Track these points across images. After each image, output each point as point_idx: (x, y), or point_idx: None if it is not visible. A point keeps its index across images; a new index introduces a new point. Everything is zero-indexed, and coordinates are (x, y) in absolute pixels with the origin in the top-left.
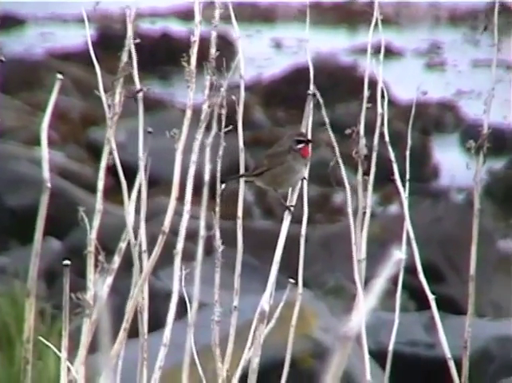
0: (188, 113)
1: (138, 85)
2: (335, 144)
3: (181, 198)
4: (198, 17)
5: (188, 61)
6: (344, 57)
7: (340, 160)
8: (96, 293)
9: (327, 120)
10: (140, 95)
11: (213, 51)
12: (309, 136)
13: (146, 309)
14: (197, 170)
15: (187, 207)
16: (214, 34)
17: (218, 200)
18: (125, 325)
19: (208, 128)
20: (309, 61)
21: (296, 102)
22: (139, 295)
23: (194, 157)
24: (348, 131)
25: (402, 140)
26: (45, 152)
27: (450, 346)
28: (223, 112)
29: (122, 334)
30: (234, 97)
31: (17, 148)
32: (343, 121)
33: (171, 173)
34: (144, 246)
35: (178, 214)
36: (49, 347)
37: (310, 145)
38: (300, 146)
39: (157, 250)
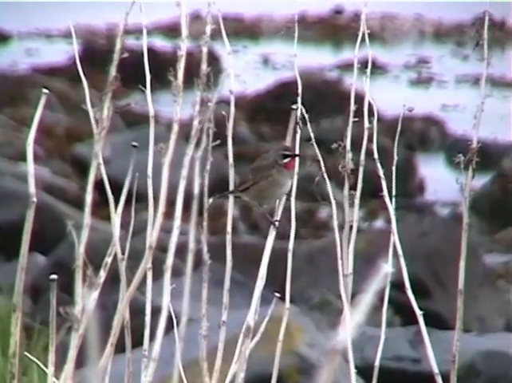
0: (175, 128)
1: (125, 101)
2: (320, 159)
3: (167, 213)
4: (185, 31)
5: (175, 76)
6: (329, 72)
7: (325, 175)
8: (84, 307)
9: (312, 135)
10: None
11: (204, 67)
12: (297, 151)
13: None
14: (177, 184)
15: (177, 222)
16: (204, 50)
17: (205, 215)
18: (112, 339)
19: (196, 143)
20: (297, 75)
21: (281, 117)
22: (125, 310)
23: (184, 172)
24: (334, 145)
25: (387, 155)
26: (30, 167)
27: (437, 361)
28: (211, 126)
29: (109, 349)
30: (224, 113)
31: (1, 163)
32: (328, 136)
33: (156, 188)
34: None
35: (163, 229)
36: (34, 362)
37: (297, 160)
38: (285, 161)
39: (144, 264)
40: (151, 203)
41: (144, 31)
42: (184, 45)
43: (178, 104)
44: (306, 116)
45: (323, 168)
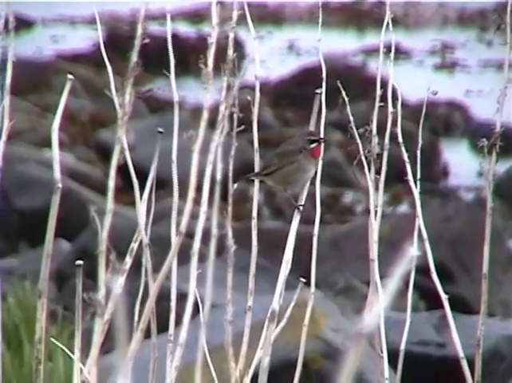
0: (205, 115)
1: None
2: (359, 140)
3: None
4: (215, 19)
5: (205, 63)
6: (352, 57)
7: (346, 160)
8: (109, 292)
9: (351, 118)
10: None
11: (230, 53)
12: (322, 135)
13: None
14: (204, 170)
15: (204, 207)
16: (231, 36)
17: (230, 200)
18: (142, 325)
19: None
20: (322, 60)
21: (304, 103)
22: (154, 296)
23: (211, 157)
24: (360, 130)
25: (411, 140)
26: (55, 152)
27: (461, 346)
28: (236, 112)
29: (139, 334)
30: (249, 98)
31: (26, 150)
32: (353, 121)
33: (180, 174)
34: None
35: (183, 214)
36: (60, 348)
37: (322, 145)
38: (313, 146)
39: (173, 250)
40: (175, 188)
41: (168, 16)
42: (215, 32)
43: (208, 92)
44: (343, 98)
45: (344, 154)
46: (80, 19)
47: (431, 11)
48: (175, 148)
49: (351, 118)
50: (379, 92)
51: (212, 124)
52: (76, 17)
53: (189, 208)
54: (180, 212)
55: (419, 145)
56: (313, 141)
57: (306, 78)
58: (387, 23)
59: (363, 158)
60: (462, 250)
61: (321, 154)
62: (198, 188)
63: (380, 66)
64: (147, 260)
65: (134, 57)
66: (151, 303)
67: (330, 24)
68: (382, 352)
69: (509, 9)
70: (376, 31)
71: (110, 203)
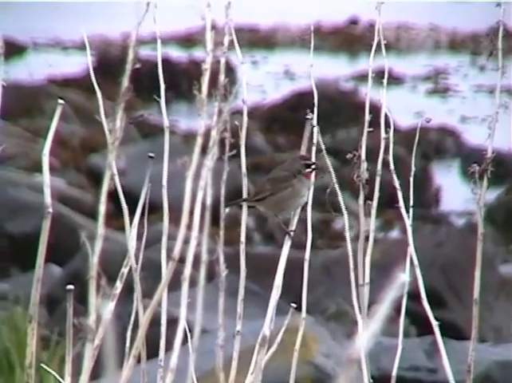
0: (199, 141)
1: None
2: (331, 170)
3: (179, 223)
4: (209, 44)
5: (199, 90)
6: (344, 82)
7: (340, 186)
8: (99, 317)
9: (323, 147)
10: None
11: (222, 78)
12: (314, 160)
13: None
14: (195, 195)
15: (195, 232)
16: (222, 61)
17: (222, 225)
18: (134, 352)
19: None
20: (314, 86)
21: (296, 128)
22: (147, 322)
23: (202, 183)
24: (349, 155)
25: (402, 165)
26: (46, 177)
27: (452, 371)
28: (227, 136)
29: (131, 361)
30: (237, 123)
31: (17, 174)
32: (344, 147)
33: (170, 199)
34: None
35: (173, 239)
36: (50, 373)
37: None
38: (308, 170)
39: (167, 276)
40: (166, 213)
41: (159, 42)
42: (209, 58)
43: (202, 118)
44: (317, 126)
45: (336, 179)
46: (71, 44)
47: (423, 35)
48: (166, 172)
49: (322, 147)
50: (368, 117)
51: (203, 148)
52: (68, 42)
53: (182, 234)
54: (171, 237)
55: (412, 172)
56: (309, 165)
57: (298, 103)
58: (379, 47)
59: (355, 183)
60: (453, 276)
61: (313, 179)
62: (189, 213)
63: (369, 91)
64: (136, 285)
65: (125, 82)
66: (143, 330)
67: (322, 48)
68: (373, 377)
69: (500, 34)
70: (368, 55)
71: (101, 229)
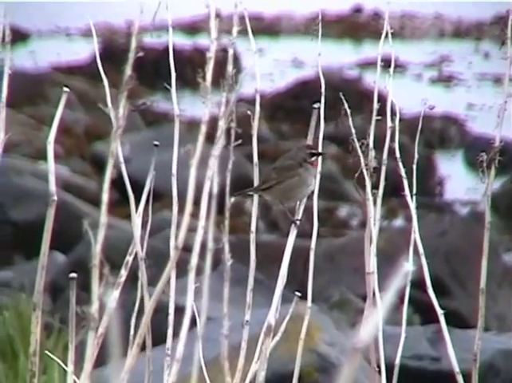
0: (203, 129)
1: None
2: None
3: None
4: (214, 33)
5: (203, 78)
6: (348, 70)
7: (342, 174)
8: (103, 306)
9: (353, 131)
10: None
11: (229, 68)
12: (320, 149)
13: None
14: (201, 183)
15: (202, 221)
16: (230, 52)
17: (227, 214)
18: (138, 339)
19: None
20: (321, 75)
21: (300, 116)
22: (151, 310)
23: (209, 172)
24: (357, 143)
25: (407, 154)
26: (51, 165)
27: (456, 360)
28: (233, 126)
29: (135, 349)
30: (249, 112)
31: (21, 162)
32: (348, 135)
33: (176, 187)
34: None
35: (177, 227)
36: (54, 361)
37: (320, 158)
38: (313, 159)
39: (171, 264)
40: (175, 202)
41: (170, 31)
42: (213, 46)
43: (206, 106)
44: (347, 110)
45: (339, 168)
46: (75, 31)
47: (428, 24)
48: (175, 161)
49: (353, 131)
50: (376, 106)
51: (208, 137)
52: (72, 29)
53: (187, 223)
54: (176, 225)
55: (415, 159)
56: (314, 154)
57: (302, 91)
58: (386, 36)
59: (362, 171)
60: (457, 264)
61: (319, 168)
62: (195, 202)
63: (377, 80)
64: (142, 273)
65: (128, 70)
66: (147, 318)
67: (327, 36)
68: (378, 366)
69: (509, 23)
70: (373, 43)
71: (104, 217)
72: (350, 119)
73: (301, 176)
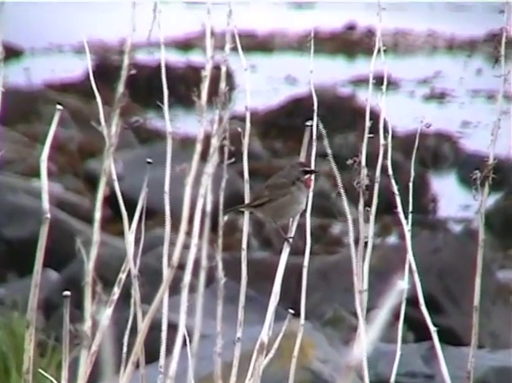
0: (198, 148)
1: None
2: (337, 175)
3: (177, 230)
4: (209, 51)
5: (198, 96)
6: (341, 87)
7: (336, 191)
8: (96, 324)
9: (329, 151)
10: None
11: (222, 86)
12: (313, 167)
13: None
14: (194, 201)
15: (195, 239)
16: (223, 69)
17: (220, 232)
18: (133, 358)
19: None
20: (313, 92)
21: (293, 133)
22: (146, 328)
23: (202, 190)
24: (349, 161)
25: (400, 171)
26: (44, 183)
27: (450, 377)
28: (226, 143)
29: (130, 367)
30: (239, 129)
31: (14, 179)
32: (341, 152)
33: (170, 205)
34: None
35: (174, 244)
36: (48, 379)
37: (313, 176)
38: (307, 177)
39: (165, 283)
40: (168, 220)
41: (162, 48)
42: (209, 65)
43: (201, 125)
44: (323, 131)
45: (334, 185)
46: (68, 48)
47: (421, 41)
48: (168, 178)
49: (329, 151)
50: (368, 123)
51: (201, 155)
52: (65, 46)
53: (181, 241)
54: (169, 243)
55: (412, 178)
56: (307, 172)
57: (295, 109)
58: (379, 51)
59: (355, 189)
60: (450, 282)
61: (312, 186)
62: (189, 220)
63: (369, 97)
64: (135, 291)
65: (120, 87)
66: (142, 336)
67: (320, 53)
68: None
69: (503, 40)
70: (366, 61)
71: (96, 234)
72: (341, 136)
73: (293, 195)
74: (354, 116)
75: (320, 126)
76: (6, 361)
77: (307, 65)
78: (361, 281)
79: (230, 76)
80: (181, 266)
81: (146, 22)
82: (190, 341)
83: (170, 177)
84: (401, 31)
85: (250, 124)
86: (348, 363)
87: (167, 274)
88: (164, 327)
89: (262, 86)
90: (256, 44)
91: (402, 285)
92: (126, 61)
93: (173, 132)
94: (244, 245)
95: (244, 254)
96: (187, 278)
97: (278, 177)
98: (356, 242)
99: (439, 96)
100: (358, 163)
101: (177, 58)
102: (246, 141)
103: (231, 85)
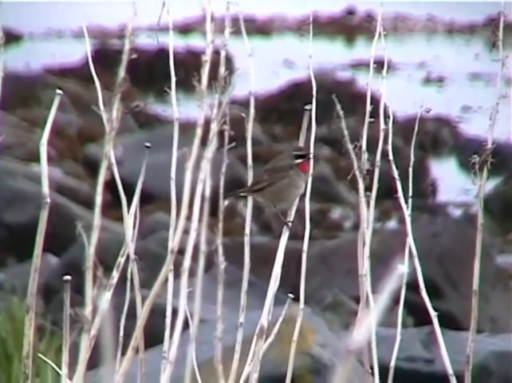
0: (198, 132)
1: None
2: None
3: (177, 214)
4: (210, 36)
5: (199, 81)
6: (341, 71)
7: (335, 176)
8: (96, 308)
9: (345, 133)
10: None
11: (222, 70)
12: (310, 151)
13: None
14: (194, 186)
15: (195, 224)
16: (223, 53)
17: (221, 216)
18: (133, 343)
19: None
20: (312, 77)
21: (293, 118)
22: (146, 313)
23: (202, 175)
24: (350, 145)
25: (399, 156)
26: (44, 167)
27: (450, 362)
28: (226, 128)
29: (130, 352)
30: (243, 115)
31: (14, 164)
32: (340, 137)
33: (169, 189)
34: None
35: (173, 229)
36: (47, 363)
37: (311, 160)
38: (299, 161)
39: (166, 267)
40: (173, 205)
41: (171, 34)
42: (209, 49)
43: (202, 110)
44: (340, 112)
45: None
46: (68, 33)
47: (420, 26)
48: (174, 164)
49: (345, 133)
50: (369, 108)
51: (201, 139)
52: (65, 31)
53: (181, 225)
54: (168, 227)
55: (411, 163)
56: (300, 156)
57: (295, 93)
58: (379, 37)
59: (355, 174)
60: (450, 266)
61: (311, 170)
62: (189, 205)
63: (370, 82)
64: (134, 275)
65: (121, 72)
66: (142, 321)
67: (319, 37)
68: (372, 368)
69: (501, 25)
70: (366, 45)
71: (97, 219)
72: (343, 121)
73: (291, 178)
74: (354, 100)
75: (338, 107)
76: (6, 346)
77: (306, 49)
78: (362, 265)
79: (229, 60)
80: (182, 251)
81: (147, 7)
82: (190, 326)
83: (168, 161)
84: (400, 15)
85: (249, 109)
86: (348, 347)
87: (168, 258)
88: (168, 312)
89: (261, 70)
90: (255, 28)
91: (402, 269)
92: (127, 46)
93: (170, 115)
94: (247, 230)
95: (247, 239)
96: (187, 262)
97: (277, 161)
98: (356, 227)
99: (438, 80)
100: (359, 148)
101: (176, 43)
102: (249, 126)
103: (230, 70)
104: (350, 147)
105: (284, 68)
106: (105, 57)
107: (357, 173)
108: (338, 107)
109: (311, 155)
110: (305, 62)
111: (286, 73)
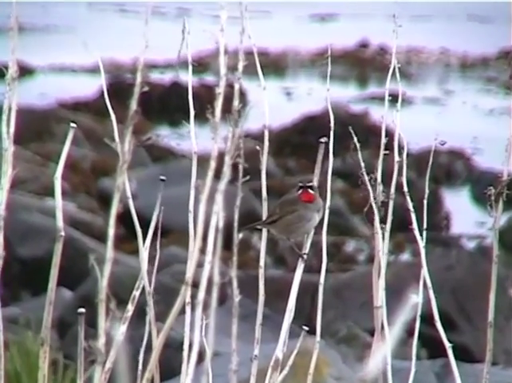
0: (212, 164)
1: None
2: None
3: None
4: (223, 69)
5: (212, 114)
6: (354, 105)
7: (349, 209)
8: (110, 341)
9: (362, 164)
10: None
11: (236, 103)
12: (312, 183)
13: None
14: (208, 219)
15: (209, 256)
16: (236, 87)
17: (235, 249)
18: (148, 375)
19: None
20: (330, 110)
21: (307, 151)
22: (160, 346)
23: (216, 208)
24: (366, 178)
25: (413, 188)
26: (58, 201)
27: None
28: (240, 161)
29: None
30: (258, 148)
31: (28, 198)
32: (354, 170)
33: (183, 223)
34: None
35: (185, 262)
36: None
37: (316, 191)
38: (298, 192)
39: (181, 300)
40: (191, 237)
41: (190, 68)
42: (223, 82)
43: (215, 142)
44: (357, 144)
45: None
46: (80, 67)
47: (434, 59)
48: (192, 197)
49: (362, 165)
50: (384, 140)
51: (214, 172)
52: (77, 66)
53: (195, 258)
54: (181, 261)
55: (426, 195)
56: (300, 187)
57: (308, 126)
58: (392, 71)
59: (371, 205)
60: (464, 299)
61: (320, 201)
62: (203, 238)
63: (385, 115)
64: (150, 308)
65: (133, 105)
66: (156, 353)
67: (332, 71)
68: None
69: None
70: (379, 79)
71: (110, 252)
72: (354, 154)
73: (299, 211)
74: (367, 133)
75: (354, 140)
76: (21, 380)
77: (318, 83)
78: (377, 297)
79: (242, 93)
80: (196, 285)
81: (158, 41)
82: (204, 359)
83: (182, 195)
84: (414, 49)
85: (263, 142)
86: (362, 378)
87: (183, 291)
88: (186, 346)
89: (276, 104)
90: (268, 62)
91: (415, 299)
92: (139, 79)
93: (183, 149)
94: (262, 263)
95: (262, 272)
96: (201, 294)
97: (289, 194)
98: (370, 259)
99: (452, 113)
100: (374, 180)
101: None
102: (264, 159)
103: (244, 103)
104: (366, 179)
105: (297, 101)
106: (119, 90)
107: (373, 205)
108: (354, 139)
109: (308, 185)
110: (318, 96)
111: (300, 106)
